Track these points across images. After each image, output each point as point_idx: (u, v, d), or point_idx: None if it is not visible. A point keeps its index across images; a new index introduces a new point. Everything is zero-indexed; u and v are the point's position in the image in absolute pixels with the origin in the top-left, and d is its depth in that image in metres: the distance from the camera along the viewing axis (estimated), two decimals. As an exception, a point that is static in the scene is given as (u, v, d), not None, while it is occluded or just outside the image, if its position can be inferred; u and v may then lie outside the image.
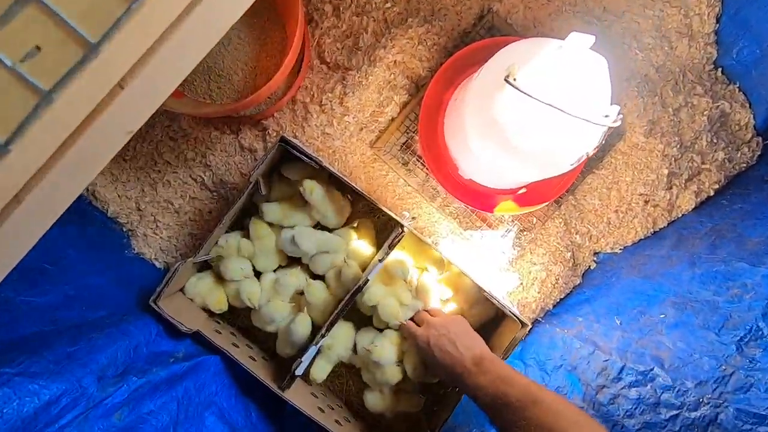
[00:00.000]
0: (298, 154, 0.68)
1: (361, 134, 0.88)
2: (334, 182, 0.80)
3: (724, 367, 0.56)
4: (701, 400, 0.56)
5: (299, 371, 0.69)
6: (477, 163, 0.74)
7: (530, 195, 0.83)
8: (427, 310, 0.79)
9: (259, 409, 0.78)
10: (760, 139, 0.86)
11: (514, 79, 0.56)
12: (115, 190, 0.88)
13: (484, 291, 0.71)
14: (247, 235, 0.81)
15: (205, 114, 0.80)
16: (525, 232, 0.89)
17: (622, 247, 0.90)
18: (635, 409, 0.63)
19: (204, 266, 0.82)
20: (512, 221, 0.89)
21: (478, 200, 0.84)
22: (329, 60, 0.87)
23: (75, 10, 0.25)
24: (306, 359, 0.69)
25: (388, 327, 0.78)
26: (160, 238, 0.88)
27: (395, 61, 0.85)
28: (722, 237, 0.74)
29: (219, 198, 0.90)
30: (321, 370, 0.77)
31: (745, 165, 0.86)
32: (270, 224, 0.81)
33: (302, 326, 0.75)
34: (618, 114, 0.57)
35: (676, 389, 0.59)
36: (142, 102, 0.27)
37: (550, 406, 0.53)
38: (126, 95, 0.26)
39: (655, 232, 0.89)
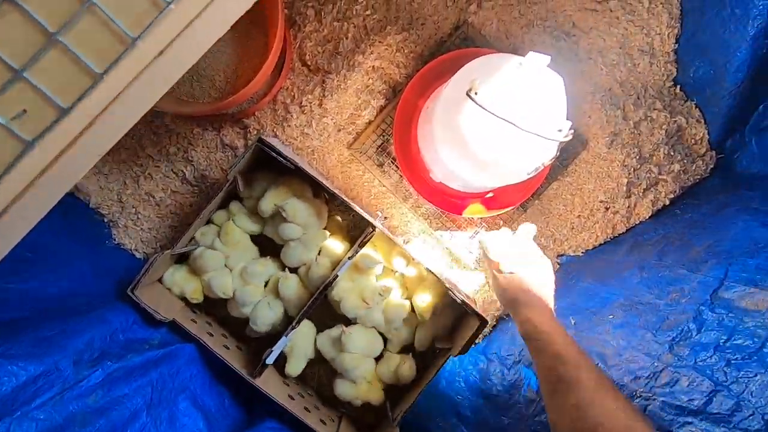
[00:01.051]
0: (274, 154, 0.72)
1: (338, 135, 0.92)
2: (309, 182, 0.84)
3: (656, 364, 0.61)
4: (635, 393, 0.61)
5: (270, 360, 0.73)
6: (445, 169, 0.78)
7: (497, 199, 0.88)
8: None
9: (232, 395, 0.82)
10: (713, 153, 0.91)
11: (476, 94, 0.61)
12: (98, 182, 0.90)
13: (449, 289, 0.76)
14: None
15: (188, 113, 0.83)
16: (492, 234, 0.94)
17: (584, 251, 0.95)
18: (580, 401, 0.69)
19: (182, 258, 0.86)
20: (480, 223, 0.94)
21: (448, 203, 0.88)
22: (310, 63, 0.90)
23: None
24: (277, 349, 0.73)
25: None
26: (141, 229, 0.91)
27: (373, 67, 0.89)
28: (671, 244, 0.80)
29: (199, 192, 0.93)
30: (294, 367, 0.82)
31: (699, 177, 0.92)
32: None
33: (266, 308, 0.80)
34: (570, 129, 0.62)
35: (615, 383, 0.64)
36: (131, 111, 0.35)
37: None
38: (117, 105, 0.34)
39: (614, 237, 0.94)
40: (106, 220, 0.91)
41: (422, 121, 0.85)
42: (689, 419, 0.53)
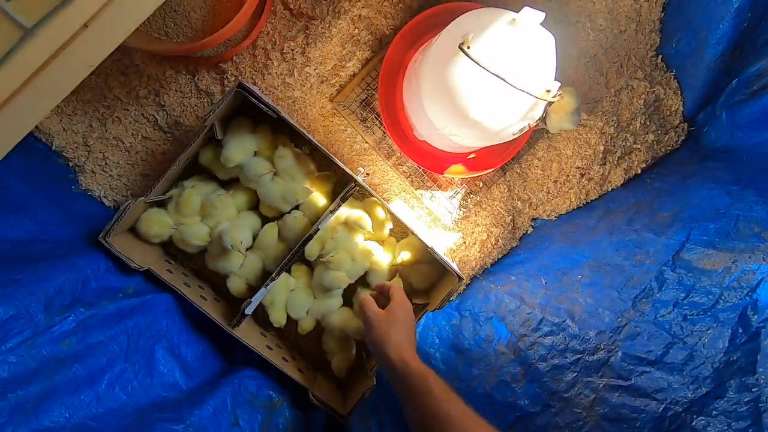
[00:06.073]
0: (255, 101, 0.69)
1: (321, 87, 0.88)
2: (288, 135, 0.82)
3: (620, 320, 0.65)
4: (599, 346, 0.65)
5: (249, 310, 0.73)
6: (430, 127, 0.78)
7: (479, 160, 0.89)
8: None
9: (210, 346, 0.82)
10: (686, 125, 0.94)
11: (468, 47, 0.59)
12: (60, 123, 0.84)
13: (427, 246, 0.77)
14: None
15: (159, 51, 0.77)
16: (471, 195, 0.95)
17: (557, 215, 0.98)
18: (547, 354, 0.73)
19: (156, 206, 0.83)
20: (460, 184, 0.95)
21: (430, 162, 0.88)
22: (293, 7, 0.85)
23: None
24: (255, 299, 0.73)
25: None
26: (110, 176, 0.86)
27: (360, 16, 0.85)
28: (640, 211, 0.83)
29: (173, 140, 0.89)
30: (277, 316, 0.82)
31: (670, 148, 0.95)
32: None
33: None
34: (558, 90, 0.62)
35: (581, 338, 0.68)
36: (104, 40, 0.30)
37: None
38: (89, 33, 0.29)
39: (587, 203, 0.97)
40: (71, 164, 0.85)
41: (409, 76, 0.83)
42: (647, 368, 0.58)
